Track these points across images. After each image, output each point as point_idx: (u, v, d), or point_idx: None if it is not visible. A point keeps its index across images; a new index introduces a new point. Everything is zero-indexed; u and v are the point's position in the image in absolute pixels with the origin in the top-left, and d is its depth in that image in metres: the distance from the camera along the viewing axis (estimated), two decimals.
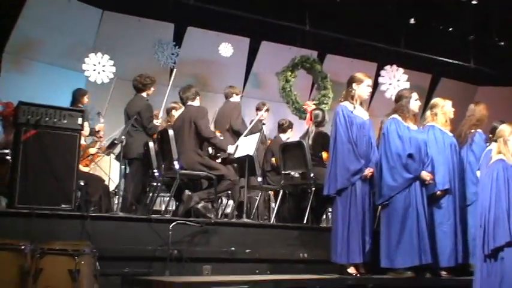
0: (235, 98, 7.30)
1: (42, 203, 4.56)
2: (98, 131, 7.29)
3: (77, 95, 7.37)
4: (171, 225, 4.80)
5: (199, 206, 5.69)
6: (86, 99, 7.36)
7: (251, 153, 6.15)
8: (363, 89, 5.13)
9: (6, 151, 5.89)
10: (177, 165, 5.60)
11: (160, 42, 9.63)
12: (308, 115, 8.17)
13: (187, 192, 5.74)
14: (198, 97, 6.18)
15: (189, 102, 6.11)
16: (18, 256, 3.51)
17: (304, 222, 5.94)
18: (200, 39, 10.24)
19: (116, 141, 6.18)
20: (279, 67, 10.40)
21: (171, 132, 5.73)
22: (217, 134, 6.28)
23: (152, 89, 6.72)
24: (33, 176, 4.59)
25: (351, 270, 4.98)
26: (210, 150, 6.36)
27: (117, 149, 7.25)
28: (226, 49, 9.95)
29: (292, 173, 6.40)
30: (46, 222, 4.43)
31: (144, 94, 6.66)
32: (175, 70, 10.03)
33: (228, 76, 10.48)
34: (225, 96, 7.38)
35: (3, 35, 8.73)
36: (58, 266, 3.49)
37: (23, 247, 3.54)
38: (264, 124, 7.39)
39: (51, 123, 4.74)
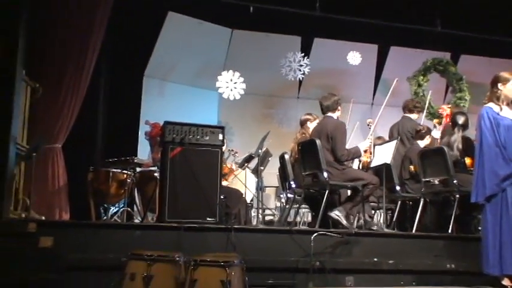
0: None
1: (190, 217, 4.80)
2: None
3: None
4: (312, 237, 4.80)
5: (333, 215, 5.64)
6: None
7: (388, 162, 6.03)
8: (509, 89, 4.79)
9: (154, 169, 6.29)
10: (325, 175, 5.59)
11: (286, 56, 9.73)
12: (444, 120, 7.88)
13: (334, 216, 5.70)
14: (339, 107, 6.07)
15: (329, 113, 6.02)
16: (174, 267, 3.68)
17: (449, 231, 5.69)
18: (327, 49, 10.25)
19: (253, 155, 6.34)
20: (409, 72, 10.12)
21: (318, 142, 5.69)
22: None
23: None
24: (180, 191, 4.85)
25: (506, 282, 4.64)
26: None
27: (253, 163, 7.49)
28: (354, 57, 9.85)
29: (433, 181, 6.19)
30: (194, 235, 4.65)
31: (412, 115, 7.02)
32: (302, 82, 10.24)
33: (358, 84, 10.40)
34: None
35: (143, 61, 9.31)
36: (211, 277, 3.58)
37: (177, 258, 3.71)
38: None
39: (194, 141, 4.99)
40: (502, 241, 4.62)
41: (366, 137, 6.95)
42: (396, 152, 6.25)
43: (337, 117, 6.06)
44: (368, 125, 7.23)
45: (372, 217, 5.92)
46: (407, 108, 7.15)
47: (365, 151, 6.31)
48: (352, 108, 8.52)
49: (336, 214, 5.65)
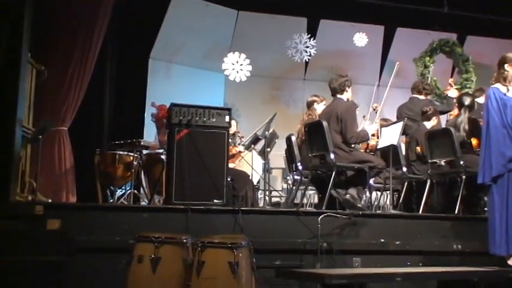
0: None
1: (196, 199, 4.80)
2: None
3: None
4: (319, 218, 4.81)
5: (347, 196, 5.65)
6: None
7: (395, 143, 6.01)
8: None
9: (160, 151, 6.29)
10: (332, 156, 5.58)
11: (292, 38, 9.67)
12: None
13: (349, 198, 5.69)
14: (348, 88, 6.01)
15: (338, 95, 5.99)
16: (181, 249, 3.69)
17: (456, 212, 5.69)
18: (334, 30, 10.19)
19: (260, 137, 6.34)
20: (416, 53, 10.06)
21: (325, 123, 5.67)
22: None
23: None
24: (187, 173, 4.85)
25: None
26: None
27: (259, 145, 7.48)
28: (360, 39, 9.78)
29: (439, 162, 6.17)
30: (201, 217, 4.64)
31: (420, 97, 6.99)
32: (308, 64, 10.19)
33: (364, 66, 10.34)
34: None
35: (148, 42, 9.26)
36: (219, 259, 3.59)
37: (185, 240, 3.72)
38: None
39: (201, 123, 4.98)
40: (508, 222, 4.64)
41: (373, 120, 6.95)
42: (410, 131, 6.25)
43: (347, 99, 6.03)
44: (374, 109, 7.21)
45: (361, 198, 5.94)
46: (417, 89, 7.09)
47: (372, 135, 6.31)
48: (375, 90, 8.46)
49: (351, 195, 5.68)
